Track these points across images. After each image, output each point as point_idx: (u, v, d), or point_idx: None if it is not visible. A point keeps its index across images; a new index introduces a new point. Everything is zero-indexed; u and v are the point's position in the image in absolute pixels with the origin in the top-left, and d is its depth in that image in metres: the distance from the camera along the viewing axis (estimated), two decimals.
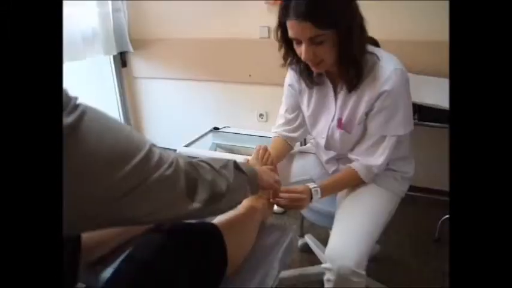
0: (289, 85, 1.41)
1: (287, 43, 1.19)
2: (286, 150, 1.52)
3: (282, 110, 1.49)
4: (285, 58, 1.27)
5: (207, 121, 2.92)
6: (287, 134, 1.49)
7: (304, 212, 1.56)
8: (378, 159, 1.25)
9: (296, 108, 1.45)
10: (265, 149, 1.36)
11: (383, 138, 1.23)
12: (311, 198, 1.24)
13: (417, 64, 2.08)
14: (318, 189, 1.25)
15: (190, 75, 2.89)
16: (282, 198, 1.21)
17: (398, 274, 1.82)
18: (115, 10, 2.71)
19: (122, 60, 3.03)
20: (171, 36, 2.81)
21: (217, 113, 2.94)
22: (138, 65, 3.04)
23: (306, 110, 1.39)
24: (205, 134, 2.83)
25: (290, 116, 1.47)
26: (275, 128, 1.52)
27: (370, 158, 1.26)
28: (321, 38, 1.07)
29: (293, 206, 1.24)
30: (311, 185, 1.26)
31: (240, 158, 1.31)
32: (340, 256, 1.13)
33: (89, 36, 2.55)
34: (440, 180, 2.20)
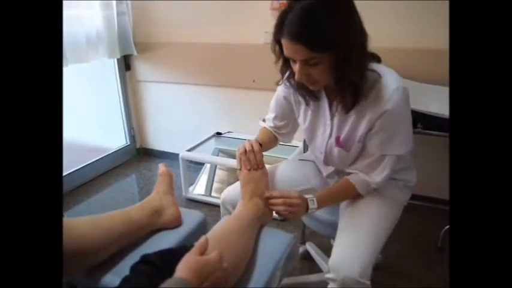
0: (284, 97, 1.38)
1: (284, 57, 1.14)
2: (274, 142, 1.50)
3: (270, 115, 1.47)
4: (282, 71, 1.24)
5: (209, 126, 2.92)
6: (275, 135, 1.49)
7: (306, 220, 1.54)
8: (377, 176, 1.22)
9: (285, 118, 1.43)
10: (257, 151, 1.31)
11: (383, 157, 1.20)
12: (307, 208, 1.21)
13: (422, 72, 2.08)
14: (314, 199, 1.22)
15: (193, 79, 2.89)
16: (276, 203, 1.19)
17: (401, 283, 1.80)
18: (120, 13, 2.72)
19: (125, 64, 3.04)
20: (175, 40, 2.82)
21: (220, 118, 2.93)
22: (142, 68, 3.04)
23: (303, 124, 1.37)
24: (208, 138, 2.82)
25: (279, 124, 1.46)
26: (265, 124, 1.51)
27: (369, 174, 1.24)
28: (315, 60, 1.03)
29: (288, 212, 1.19)
30: (307, 195, 1.23)
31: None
32: (345, 266, 1.11)
33: (93, 39, 2.56)
34: (444, 189, 2.18)
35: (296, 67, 1.07)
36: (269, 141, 1.47)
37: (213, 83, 2.84)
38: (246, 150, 1.31)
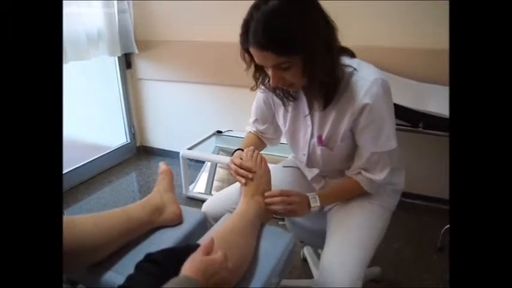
0: (263, 101, 1.37)
1: (256, 63, 1.12)
2: (261, 146, 1.48)
3: (251, 119, 1.46)
4: (255, 77, 1.21)
5: (210, 124, 2.92)
6: (262, 138, 1.47)
7: (290, 228, 1.50)
8: (381, 174, 1.20)
9: (266, 121, 1.42)
10: (253, 150, 1.28)
11: (378, 154, 1.17)
12: (309, 207, 1.20)
13: (422, 72, 2.07)
14: (316, 197, 1.20)
15: (194, 78, 2.88)
16: (274, 202, 1.17)
17: (401, 283, 1.80)
18: (121, 11, 2.72)
19: (126, 62, 3.04)
20: (176, 39, 2.82)
21: (220, 117, 2.93)
22: (143, 66, 3.04)
23: (283, 126, 1.35)
24: (209, 137, 2.82)
25: (261, 128, 1.44)
26: (249, 127, 1.49)
27: (370, 174, 1.21)
28: (285, 65, 1.02)
29: (288, 211, 1.18)
30: (308, 194, 1.21)
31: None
32: (333, 279, 1.08)
33: (94, 36, 2.56)
34: (444, 188, 2.19)
35: (269, 73, 1.07)
36: (258, 144, 1.45)
37: (214, 81, 2.83)
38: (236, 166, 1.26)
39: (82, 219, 1.03)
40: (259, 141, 1.47)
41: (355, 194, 1.28)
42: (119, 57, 2.98)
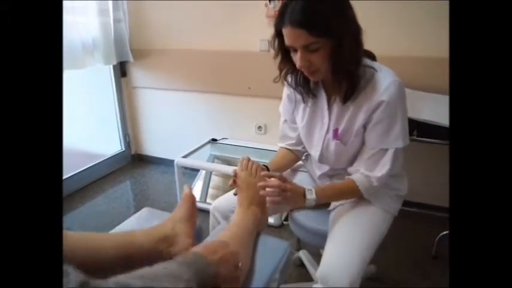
0: (287, 95, 1.40)
1: (284, 51, 1.19)
2: (292, 159, 1.51)
3: (281, 121, 1.49)
4: (280, 68, 1.26)
5: (205, 132, 2.92)
6: (291, 147, 1.49)
7: (294, 229, 1.51)
8: (378, 172, 1.22)
9: (294, 121, 1.45)
10: (248, 159, 1.32)
11: (383, 151, 1.21)
12: (304, 197, 1.21)
13: (416, 80, 2.09)
14: (312, 189, 1.22)
15: (189, 86, 2.89)
16: (270, 185, 1.18)
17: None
18: (116, 20, 2.72)
19: (121, 70, 3.05)
20: (171, 47, 2.83)
21: (215, 125, 2.94)
22: (138, 75, 3.04)
23: (300, 121, 1.38)
24: (203, 145, 2.82)
25: (290, 128, 1.47)
26: (279, 143, 1.52)
27: (370, 171, 1.24)
28: (315, 46, 1.08)
29: (282, 198, 1.18)
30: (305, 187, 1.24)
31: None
32: (333, 277, 1.10)
33: (89, 45, 2.56)
34: (438, 196, 2.20)
35: (297, 56, 1.12)
36: (287, 158, 1.49)
37: (209, 89, 2.84)
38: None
39: (72, 236, 0.97)
40: (289, 155, 1.50)
41: (351, 195, 1.30)
42: (114, 66, 2.98)
